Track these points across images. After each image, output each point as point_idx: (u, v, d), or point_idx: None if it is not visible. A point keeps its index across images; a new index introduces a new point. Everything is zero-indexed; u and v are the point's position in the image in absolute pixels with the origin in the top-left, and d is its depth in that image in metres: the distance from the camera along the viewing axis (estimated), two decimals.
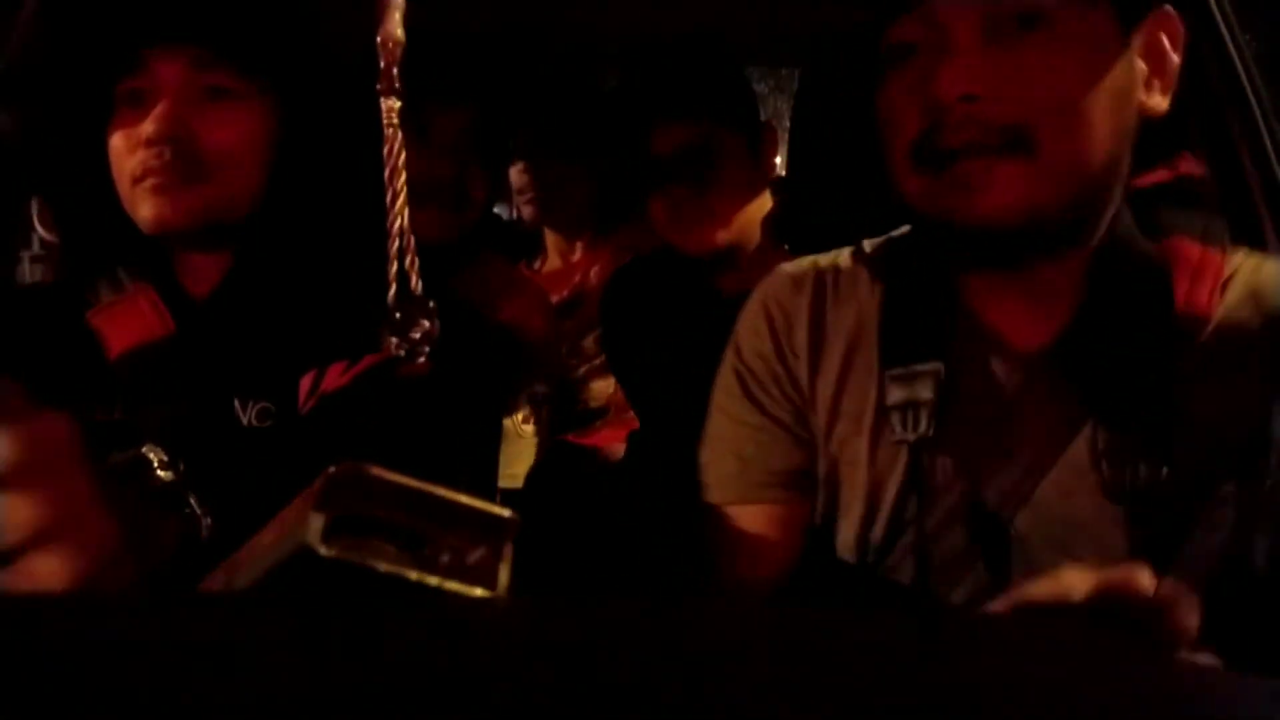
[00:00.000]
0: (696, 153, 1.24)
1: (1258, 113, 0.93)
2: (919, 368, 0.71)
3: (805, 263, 0.83)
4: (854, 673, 0.25)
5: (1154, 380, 0.65)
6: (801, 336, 0.78)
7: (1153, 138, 0.67)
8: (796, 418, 0.79)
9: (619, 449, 1.42)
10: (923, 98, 0.63)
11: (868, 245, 0.82)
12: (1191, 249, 0.71)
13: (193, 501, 0.70)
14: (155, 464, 0.71)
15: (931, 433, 0.69)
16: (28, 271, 0.99)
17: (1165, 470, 0.63)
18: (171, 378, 0.82)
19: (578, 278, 1.61)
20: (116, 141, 0.83)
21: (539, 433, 1.50)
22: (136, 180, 0.82)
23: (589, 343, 1.56)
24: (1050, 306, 0.70)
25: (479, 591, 0.35)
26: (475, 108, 1.31)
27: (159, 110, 0.81)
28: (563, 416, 1.53)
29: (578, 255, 1.64)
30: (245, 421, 0.82)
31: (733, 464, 0.80)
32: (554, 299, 1.51)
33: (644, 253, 1.45)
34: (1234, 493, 0.61)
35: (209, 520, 0.70)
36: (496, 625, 0.28)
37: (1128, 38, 0.63)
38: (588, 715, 0.22)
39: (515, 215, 1.88)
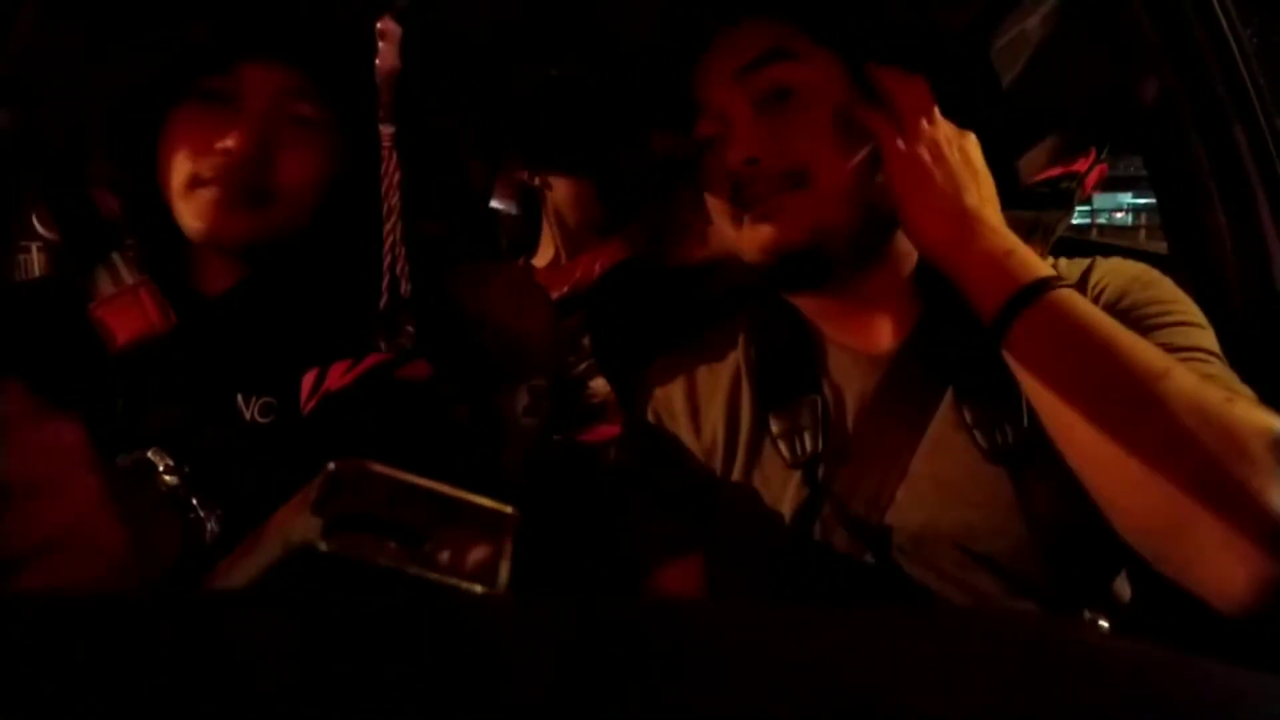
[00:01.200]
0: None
1: (1258, 109, 0.93)
2: (798, 400, 0.84)
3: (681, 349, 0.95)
4: (854, 672, 0.25)
5: (993, 354, 0.75)
6: (679, 402, 0.91)
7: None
8: (689, 471, 0.88)
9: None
10: (724, 170, 0.82)
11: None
12: None
13: (196, 505, 0.70)
14: (161, 468, 0.71)
15: (820, 449, 0.82)
16: (31, 265, 0.99)
17: (1025, 425, 0.76)
18: (173, 372, 0.82)
19: (578, 275, 1.61)
20: (182, 135, 0.81)
21: (538, 428, 1.50)
22: (199, 183, 0.80)
23: (588, 341, 1.55)
24: (889, 315, 0.85)
25: (479, 588, 0.35)
26: (473, 106, 1.30)
27: (247, 129, 0.80)
28: (562, 413, 1.52)
29: (583, 253, 1.64)
30: (248, 416, 0.81)
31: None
32: (554, 296, 1.50)
33: (642, 252, 1.45)
34: None
35: (213, 525, 0.70)
36: (496, 624, 0.28)
37: (859, 91, 0.79)
38: (588, 715, 0.23)
39: (515, 212, 1.87)
